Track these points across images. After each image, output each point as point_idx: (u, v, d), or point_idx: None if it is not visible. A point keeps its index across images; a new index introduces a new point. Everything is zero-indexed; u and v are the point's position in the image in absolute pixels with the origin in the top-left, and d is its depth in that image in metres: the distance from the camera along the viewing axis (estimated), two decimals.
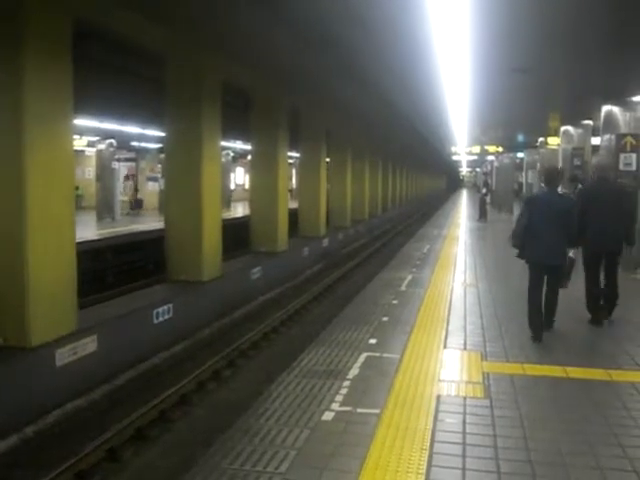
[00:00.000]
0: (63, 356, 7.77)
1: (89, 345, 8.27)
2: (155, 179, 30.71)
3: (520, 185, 35.88)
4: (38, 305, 7.72)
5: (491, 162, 43.32)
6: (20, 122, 7.48)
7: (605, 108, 12.04)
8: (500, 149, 30.18)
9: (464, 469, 3.89)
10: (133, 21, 9.79)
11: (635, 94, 11.63)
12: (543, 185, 7.76)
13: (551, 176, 7.40)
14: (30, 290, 7.62)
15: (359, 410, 4.81)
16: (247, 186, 32.93)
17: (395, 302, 9.08)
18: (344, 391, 5.23)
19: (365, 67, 13.00)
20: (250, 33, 10.60)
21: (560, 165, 17.30)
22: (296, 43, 10.94)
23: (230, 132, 20.51)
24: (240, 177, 41.39)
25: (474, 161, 53.02)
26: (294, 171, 39.72)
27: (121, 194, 26.15)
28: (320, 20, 9.45)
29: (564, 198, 7.70)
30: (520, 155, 31.18)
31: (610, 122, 11.98)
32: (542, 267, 7.13)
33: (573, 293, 8.09)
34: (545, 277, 7.20)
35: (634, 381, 5.61)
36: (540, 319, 7.16)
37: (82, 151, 27.03)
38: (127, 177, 30.49)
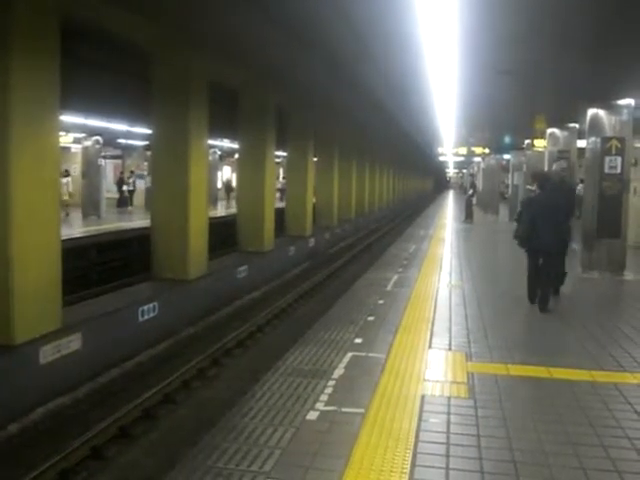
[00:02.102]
0: (47, 354, 7.73)
1: (73, 343, 8.23)
2: (141, 177, 30.59)
3: (507, 187, 36.13)
4: (22, 302, 7.67)
5: (477, 163, 43.50)
6: (6, 120, 7.42)
7: (591, 111, 12.11)
8: (487, 151, 30.30)
9: (448, 469, 3.91)
10: (121, 19, 9.75)
11: (620, 97, 11.72)
12: (530, 187, 9.38)
13: (542, 179, 9.14)
14: (15, 287, 7.57)
15: (344, 409, 4.82)
16: (234, 184, 32.86)
17: (381, 302, 9.10)
18: (329, 390, 5.24)
19: (353, 68, 13.02)
20: (239, 32, 10.59)
21: (546, 168, 17.46)
22: (285, 43, 10.94)
23: (217, 130, 20.49)
24: (227, 176, 41.35)
25: (461, 162, 53.20)
26: (281, 170, 39.74)
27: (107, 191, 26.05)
28: (309, 20, 9.45)
29: (562, 196, 9.15)
30: (507, 157, 31.33)
31: (596, 125, 12.05)
32: (538, 254, 8.76)
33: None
34: (540, 261, 8.81)
35: (616, 382, 5.66)
36: (535, 292, 8.87)
37: (68, 148, 26.86)
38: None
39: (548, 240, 8.54)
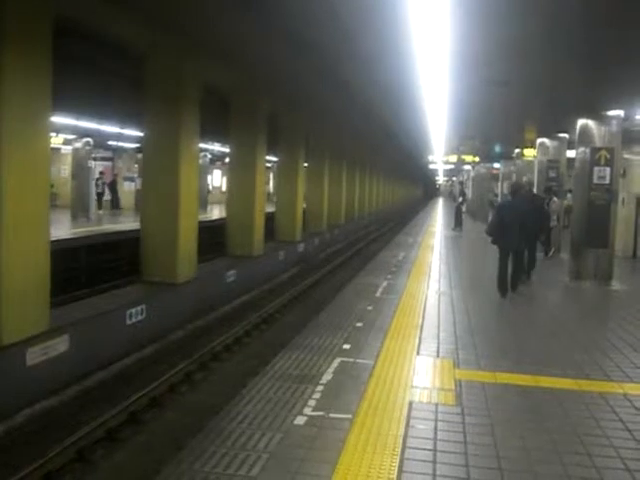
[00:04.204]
0: (34, 355, 7.69)
1: (60, 345, 8.19)
2: (132, 179, 30.51)
3: (496, 195, 36.37)
4: (10, 303, 7.63)
5: (467, 172, 43.66)
6: None
7: (581, 121, 12.19)
8: (477, 159, 30.40)
9: (434, 475, 3.92)
10: (114, 21, 9.74)
11: (610, 108, 11.81)
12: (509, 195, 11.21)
13: (515, 189, 11.02)
14: (2, 288, 7.53)
15: (331, 415, 4.82)
16: (224, 189, 32.82)
17: (370, 308, 9.10)
18: (317, 396, 5.24)
19: (346, 74, 13.06)
20: (232, 37, 10.61)
21: (525, 179, 17.81)
22: (278, 48, 10.96)
23: (208, 134, 20.49)
24: (217, 179, 41.31)
25: (451, 170, 53.37)
26: (272, 175, 39.76)
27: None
28: (303, 27, 9.48)
29: (526, 203, 10.84)
30: (496, 165, 31.47)
31: (585, 135, 12.13)
32: (507, 250, 10.25)
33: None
34: (510, 257, 10.35)
35: (602, 391, 5.69)
36: (505, 285, 10.27)
37: (58, 149, 26.74)
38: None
39: (513, 238, 10.12)
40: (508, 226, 10.04)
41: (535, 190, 16.12)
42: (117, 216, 24.99)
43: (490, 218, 11.34)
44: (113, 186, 29.53)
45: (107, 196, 28.81)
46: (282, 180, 22.24)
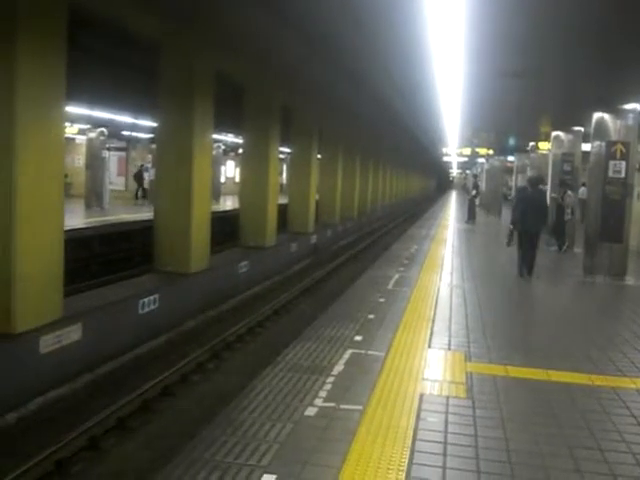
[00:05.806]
0: (47, 343, 7.74)
1: (73, 333, 8.24)
2: (146, 169, 30.62)
3: (510, 189, 36.24)
4: (24, 292, 7.67)
5: (481, 164, 43.42)
6: (12, 110, 7.41)
7: (596, 115, 12.09)
8: (491, 152, 30.23)
9: (445, 467, 3.92)
10: (128, 9, 9.74)
11: (626, 102, 11.70)
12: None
13: (534, 181, 12.15)
14: (16, 276, 7.58)
15: (342, 406, 4.83)
16: (237, 179, 32.86)
17: (382, 300, 9.10)
18: (328, 387, 5.25)
19: (360, 66, 13.02)
20: (246, 27, 10.60)
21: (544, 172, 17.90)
22: (292, 39, 10.94)
23: (222, 125, 20.50)
24: (230, 170, 41.38)
25: (465, 163, 53.14)
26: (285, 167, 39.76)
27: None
28: (316, 17, 9.46)
29: (541, 195, 12.18)
30: (511, 158, 31.28)
31: (601, 129, 12.04)
32: (526, 234, 11.53)
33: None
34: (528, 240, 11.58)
35: (615, 386, 5.66)
36: (524, 266, 11.60)
37: (72, 139, 26.88)
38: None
39: (531, 224, 11.46)
40: (525, 213, 11.39)
41: (549, 184, 16.14)
42: (129, 206, 25.11)
43: (513, 207, 12.54)
44: (139, 177, 29.52)
45: (116, 185, 28.88)
46: (295, 171, 22.23)
